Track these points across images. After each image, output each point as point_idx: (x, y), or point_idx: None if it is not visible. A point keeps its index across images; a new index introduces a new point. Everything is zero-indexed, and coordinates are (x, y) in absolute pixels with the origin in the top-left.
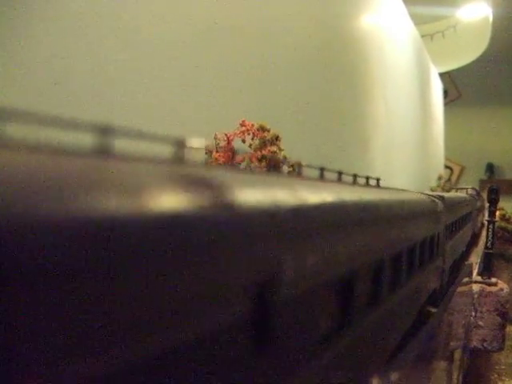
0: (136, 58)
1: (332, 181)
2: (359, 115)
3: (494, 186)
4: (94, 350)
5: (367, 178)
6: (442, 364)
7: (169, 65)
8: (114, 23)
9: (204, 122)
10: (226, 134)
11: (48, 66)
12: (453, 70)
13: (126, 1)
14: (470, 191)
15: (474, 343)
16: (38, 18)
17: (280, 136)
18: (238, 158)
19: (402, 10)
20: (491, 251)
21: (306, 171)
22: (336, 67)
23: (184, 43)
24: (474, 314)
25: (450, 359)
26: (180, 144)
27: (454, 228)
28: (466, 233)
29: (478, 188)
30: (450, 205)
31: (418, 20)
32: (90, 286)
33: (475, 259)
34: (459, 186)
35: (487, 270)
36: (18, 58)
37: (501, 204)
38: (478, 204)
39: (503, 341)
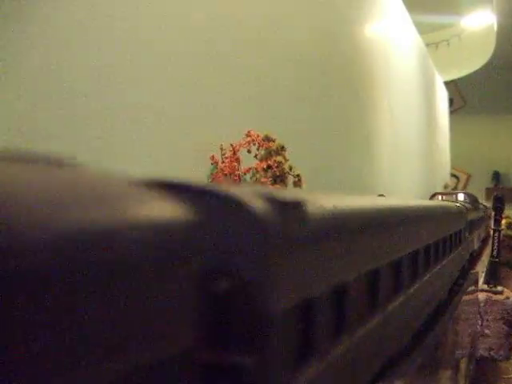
0: (136, 68)
1: None
2: (364, 124)
3: (498, 194)
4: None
5: None
6: (448, 373)
7: (170, 75)
8: (112, 29)
9: (209, 132)
10: (231, 145)
11: (46, 67)
12: (458, 79)
13: (124, 11)
14: (460, 197)
15: (481, 352)
16: (35, 17)
17: (285, 146)
18: (244, 168)
19: (407, 19)
20: (497, 260)
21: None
22: (340, 76)
23: (186, 53)
24: (480, 322)
25: (456, 368)
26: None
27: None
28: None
29: (483, 195)
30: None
31: (422, 29)
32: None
33: (481, 268)
34: (447, 191)
35: (493, 278)
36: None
37: (507, 212)
38: (475, 215)
39: (510, 349)
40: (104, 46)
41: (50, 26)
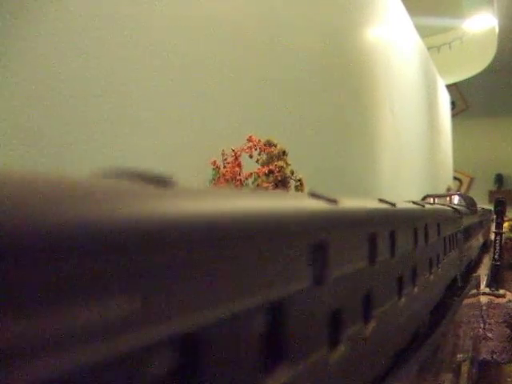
0: (137, 73)
1: None
2: (366, 128)
3: (500, 198)
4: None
5: None
6: (450, 376)
7: (172, 80)
8: (115, 32)
9: (211, 137)
10: (233, 150)
11: (46, 67)
12: (460, 82)
13: (127, 14)
14: (455, 200)
15: (483, 355)
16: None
17: (287, 151)
18: (245, 173)
19: (408, 22)
20: (499, 263)
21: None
22: (342, 80)
23: (187, 58)
24: (482, 325)
25: (458, 371)
26: None
27: None
28: None
29: (486, 197)
30: None
31: (424, 32)
32: None
33: (483, 271)
34: (440, 193)
35: (495, 281)
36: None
37: (510, 215)
38: (471, 220)
39: None
40: (105, 50)
41: (50, 26)
